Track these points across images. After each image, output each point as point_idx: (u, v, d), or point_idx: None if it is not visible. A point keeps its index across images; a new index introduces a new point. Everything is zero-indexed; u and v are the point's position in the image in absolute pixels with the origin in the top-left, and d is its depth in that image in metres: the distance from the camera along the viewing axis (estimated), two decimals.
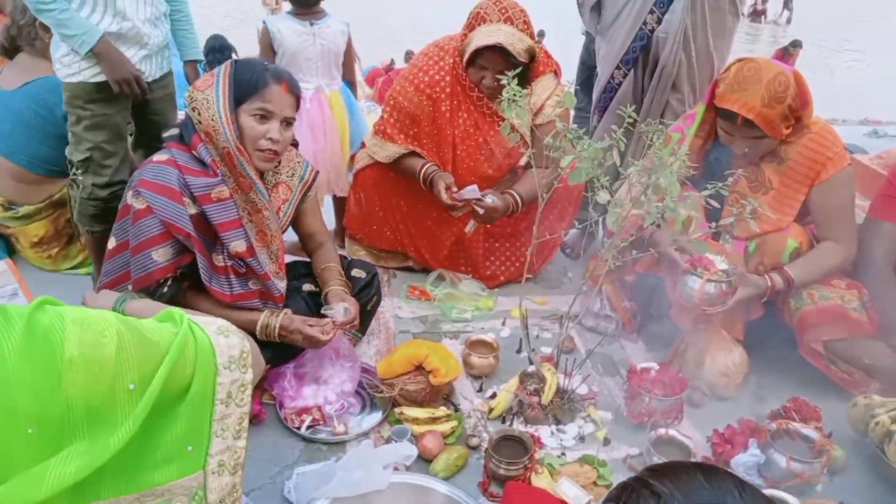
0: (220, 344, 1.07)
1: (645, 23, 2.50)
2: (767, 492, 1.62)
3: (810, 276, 2.04)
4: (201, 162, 1.74)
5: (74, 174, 2.27)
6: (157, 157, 1.77)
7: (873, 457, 1.77)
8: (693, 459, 1.73)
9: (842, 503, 1.68)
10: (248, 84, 1.73)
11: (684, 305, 2.00)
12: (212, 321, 1.12)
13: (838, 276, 2.09)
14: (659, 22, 2.49)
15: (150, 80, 2.25)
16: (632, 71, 2.59)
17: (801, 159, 2.05)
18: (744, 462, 1.75)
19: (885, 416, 1.75)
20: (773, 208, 2.04)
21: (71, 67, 2.10)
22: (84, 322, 0.92)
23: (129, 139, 2.49)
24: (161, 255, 1.70)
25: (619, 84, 2.64)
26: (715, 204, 1.73)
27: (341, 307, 1.89)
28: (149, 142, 2.39)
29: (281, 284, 1.93)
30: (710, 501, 0.65)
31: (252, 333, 1.77)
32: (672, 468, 0.71)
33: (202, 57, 2.57)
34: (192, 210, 1.72)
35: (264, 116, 1.75)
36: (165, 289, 1.74)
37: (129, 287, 1.73)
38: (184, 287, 1.84)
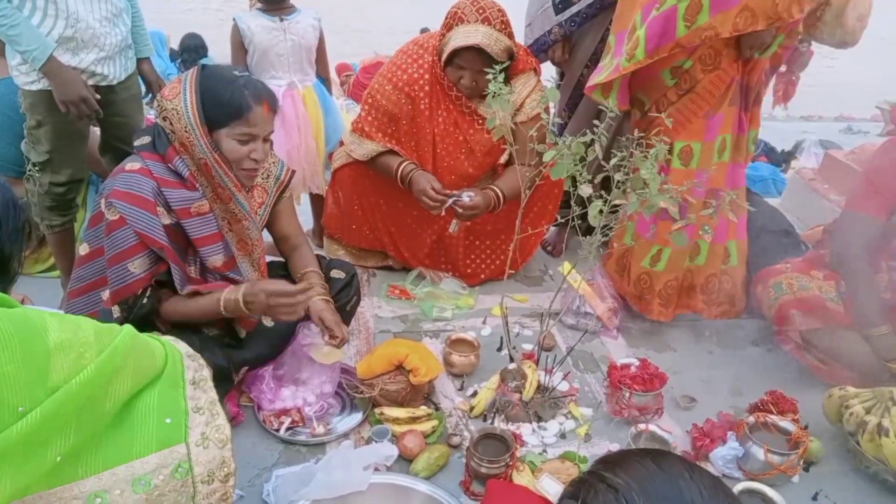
0: (179, 344, 1.18)
1: (610, 23, 2.52)
2: (747, 484, 1.64)
3: None
4: (178, 174, 1.69)
5: (31, 171, 2.22)
6: (129, 165, 1.68)
7: (848, 447, 1.79)
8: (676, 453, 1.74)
9: (818, 493, 1.70)
10: (228, 106, 1.65)
11: None
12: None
13: (816, 268, 2.12)
14: None
15: (113, 82, 2.20)
16: None
17: None
18: (723, 455, 1.76)
19: (858, 407, 1.78)
20: None
21: (29, 76, 2.05)
22: (57, 314, 0.97)
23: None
24: (138, 267, 1.64)
25: None
26: None
27: None
28: (115, 145, 2.34)
29: None
30: (665, 486, 0.66)
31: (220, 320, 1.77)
32: (623, 458, 0.71)
33: (153, 53, 2.51)
34: (167, 220, 1.67)
35: (249, 140, 1.70)
36: (146, 300, 1.68)
37: (104, 296, 1.68)
38: (164, 299, 1.78)
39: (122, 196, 1.63)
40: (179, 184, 1.69)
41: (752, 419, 1.80)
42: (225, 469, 1.09)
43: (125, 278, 1.65)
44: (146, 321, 1.70)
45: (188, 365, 1.13)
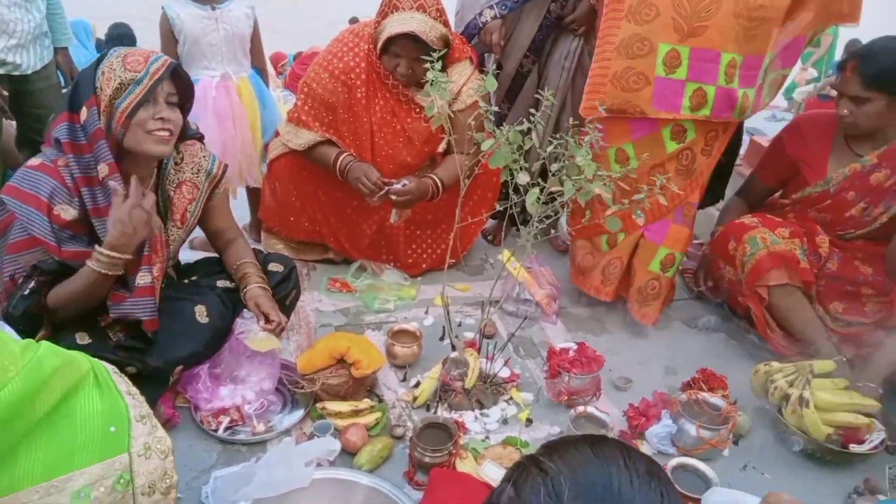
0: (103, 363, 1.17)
1: (549, 11, 2.56)
2: (680, 459, 1.70)
3: None
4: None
5: None
6: (31, 161, 1.64)
7: (773, 419, 1.88)
8: (607, 432, 1.79)
9: (747, 465, 1.78)
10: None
11: None
12: None
13: (782, 225, 2.20)
14: (562, 8, 2.55)
15: (27, 71, 2.09)
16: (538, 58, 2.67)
17: None
18: (658, 433, 1.82)
19: (782, 381, 1.87)
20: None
21: None
22: None
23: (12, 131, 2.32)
24: (29, 262, 1.58)
25: (529, 72, 2.69)
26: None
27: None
28: (33, 138, 2.22)
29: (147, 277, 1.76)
30: (595, 471, 0.68)
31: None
32: (563, 444, 0.73)
33: (74, 43, 2.40)
34: (69, 215, 1.60)
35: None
36: (27, 292, 1.57)
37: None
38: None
39: (13, 192, 1.58)
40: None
41: (684, 397, 1.87)
42: (167, 481, 1.07)
43: (13, 271, 1.59)
44: (32, 321, 1.60)
45: (118, 380, 1.11)
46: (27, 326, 1.58)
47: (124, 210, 1.58)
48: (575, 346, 2.02)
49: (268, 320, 1.85)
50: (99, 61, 1.66)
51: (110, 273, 1.60)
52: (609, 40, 2.10)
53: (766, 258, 2.10)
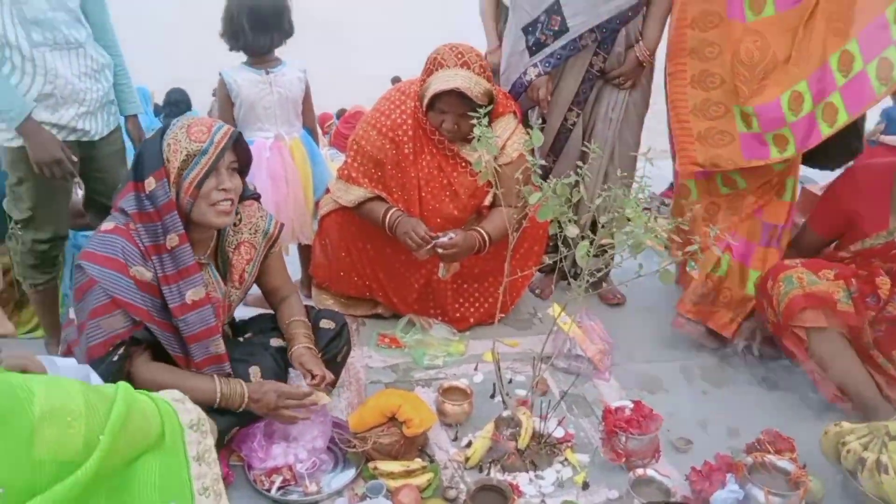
0: (179, 408, 1.14)
1: (591, 65, 2.59)
2: None
3: None
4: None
5: (13, 228, 2.19)
6: (103, 225, 1.71)
7: (849, 485, 1.77)
8: (674, 500, 1.71)
9: None
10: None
11: None
12: (166, 392, 1.18)
13: (829, 267, 2.13)
14: (605, 61, 2.58)
15: (95, 137, 2.19)
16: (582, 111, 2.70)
17: None
18: (723, 499, 1.73)
19: (855, 444, 1.76)
20: None
21: (10, 132, 2.04)
22: (49, 380, 0.95)
23: (80, 192, 2.42)
24: (112, 325, 1.62)
25: (574, 125, 2.71)
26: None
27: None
28: (99, 201, 2.32)
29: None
30: None
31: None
32: None
33: (142, 111, 2.51)
34: (147, 276, 1.66)
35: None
36: (115, 358, 1.63)
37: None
38: (135, 358, 1.72)
39: (91, 258, 1.63)
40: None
41: (750, 460, 1.78)
42: None
43: (96, 336, 1.62)
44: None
45: (190, 439, 1.09)
46: None
47: (272, 394, 1.74)
48: (631, 405, 1.96)
49: (313, 377, 1.86)
50: (163, 132, 1.74)
51: (217, 400, 1.70)
52: (681, 105, 2.24)
53: (799, 298, 2.04)
